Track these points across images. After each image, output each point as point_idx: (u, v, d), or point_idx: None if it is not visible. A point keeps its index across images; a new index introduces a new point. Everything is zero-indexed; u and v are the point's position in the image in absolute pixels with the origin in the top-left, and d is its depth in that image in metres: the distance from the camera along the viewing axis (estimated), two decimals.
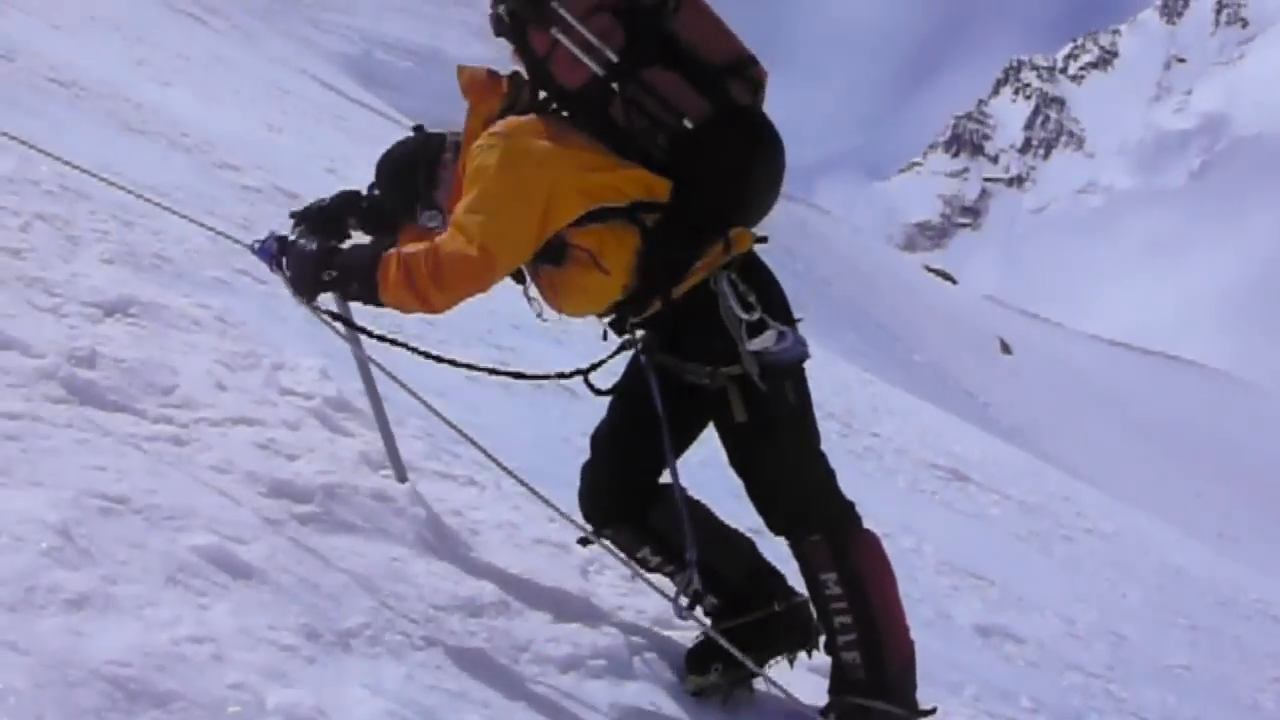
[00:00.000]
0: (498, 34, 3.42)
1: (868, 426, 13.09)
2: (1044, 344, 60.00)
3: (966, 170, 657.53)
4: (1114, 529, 13.55)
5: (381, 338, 3.61)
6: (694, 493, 3.67)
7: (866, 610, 3.39)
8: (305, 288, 3.46)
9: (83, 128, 7.91)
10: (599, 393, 3.61)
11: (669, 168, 3.30)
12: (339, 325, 3.71)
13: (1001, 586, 7.72)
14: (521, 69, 3.45)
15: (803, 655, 3.71)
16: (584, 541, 3.68)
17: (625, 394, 3.64)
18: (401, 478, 3.97)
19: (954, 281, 73.41)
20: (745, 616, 3.59)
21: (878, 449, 11.82)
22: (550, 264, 3.37)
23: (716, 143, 3.30)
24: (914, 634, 3.51)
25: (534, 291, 3.55)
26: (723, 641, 3.37)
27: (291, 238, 3.58)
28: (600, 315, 3.53)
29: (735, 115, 3.33)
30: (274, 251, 3.53)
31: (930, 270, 74.08)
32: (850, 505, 3.52)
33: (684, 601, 3.49)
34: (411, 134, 3.78)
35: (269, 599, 2.84)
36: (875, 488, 9.83)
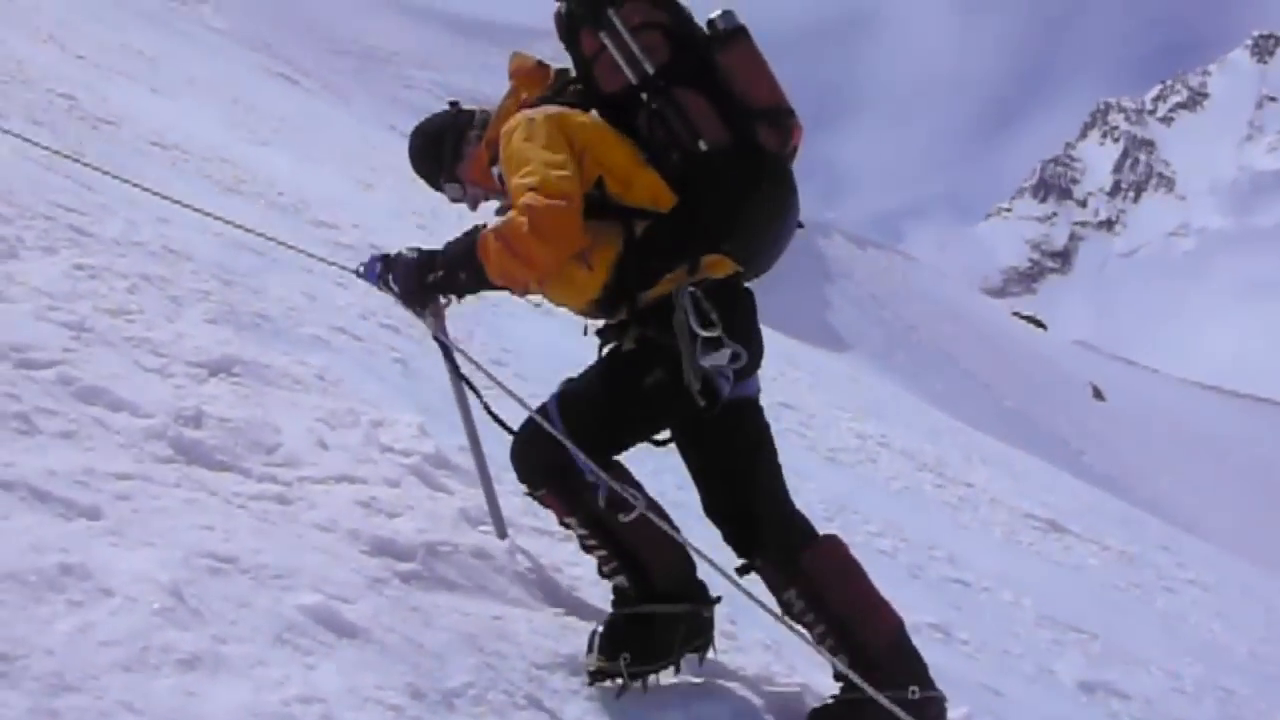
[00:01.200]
0: (559, 33, 3.55)
1: (961, 476, 12.91)
2: (1137, 389, 58.89)
3: (1055, 215, 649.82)
4: (1216, 579, 13.18)
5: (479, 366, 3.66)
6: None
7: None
8: (415, 296, 3.60)
9: (184, 190, 8.09)
10: (659, 444, 3.60)
11: (678, 184, 3.35)
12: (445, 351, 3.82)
13: (1104, 640, 7.53)
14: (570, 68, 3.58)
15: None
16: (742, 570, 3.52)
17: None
18: (501, 534, 3.98)
19: (1044, 327, 72.46)
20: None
21: (972, 499, 11.63)
22: None
23: (723, 168, 3.34)
24: (991, 678, 3.40)
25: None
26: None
27: (393, 254, 3.66)
28: (580, 312, 3.56)
29: (751, 152, 3.37)
30: (379, 271, 3.65)
31: (1019, 316, 73.19)
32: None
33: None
34: (447, 108, 3.93)
35: (374, 658, 2.84)
36: (971, 539, 9.67)
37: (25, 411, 3.26)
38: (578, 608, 3.81)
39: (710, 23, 3.44)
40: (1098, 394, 53.02)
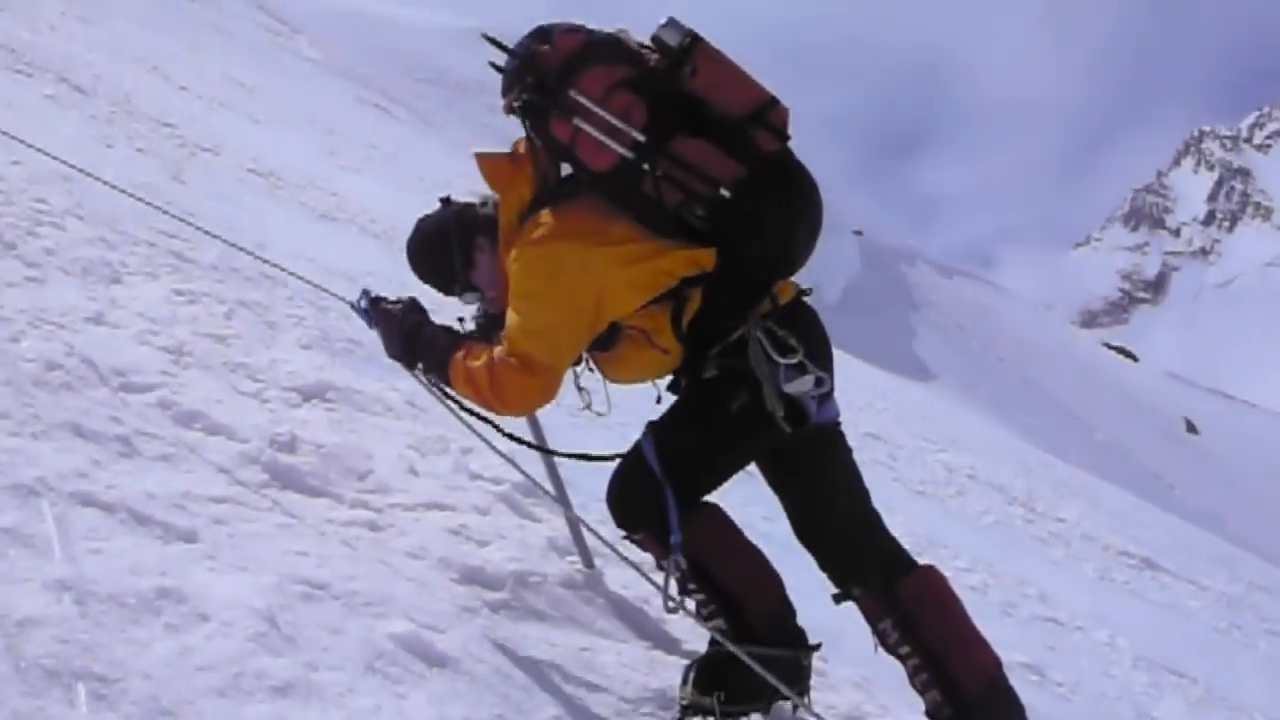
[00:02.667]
0: (526, 131, 3.36)
1: (1052, 511, 12.68)
2: (1233, 423, 57.51)
3: (1146, 244, 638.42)
4: None
5: (483, 420, 3.59)
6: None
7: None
8: (395, 356, 3.58)
9: (280, 216, 8.26)
10: None
11: (710, 236, 3.22)
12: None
13: (1204, 685, 7.32)
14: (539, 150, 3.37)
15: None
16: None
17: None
18: (589, 564, 3.97)
19: (1135, 359, 71.13)
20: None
21: (1064, 535, 11.42)
22: (600, 349, 3.35)
23: (756, 207, 3.20)
24: None
25: (585, 380, 3.52)
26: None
27: (384, 297, 3.63)
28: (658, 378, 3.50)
29: (768, 171, 3.23)
30: (370, 317, 3.63)
31: (1110, 347, 71.96)
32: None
33: (677, 601, 3.28)
34: (440, 205, 3.70)
35: (464, 689, 2.84)
36: (1063, 575, 9.48)
37: (126, 434, 3.32)
38: (665, 641, 3.78)
39: (657, 40, 3.22)
40: (1191, 427, 51.92)
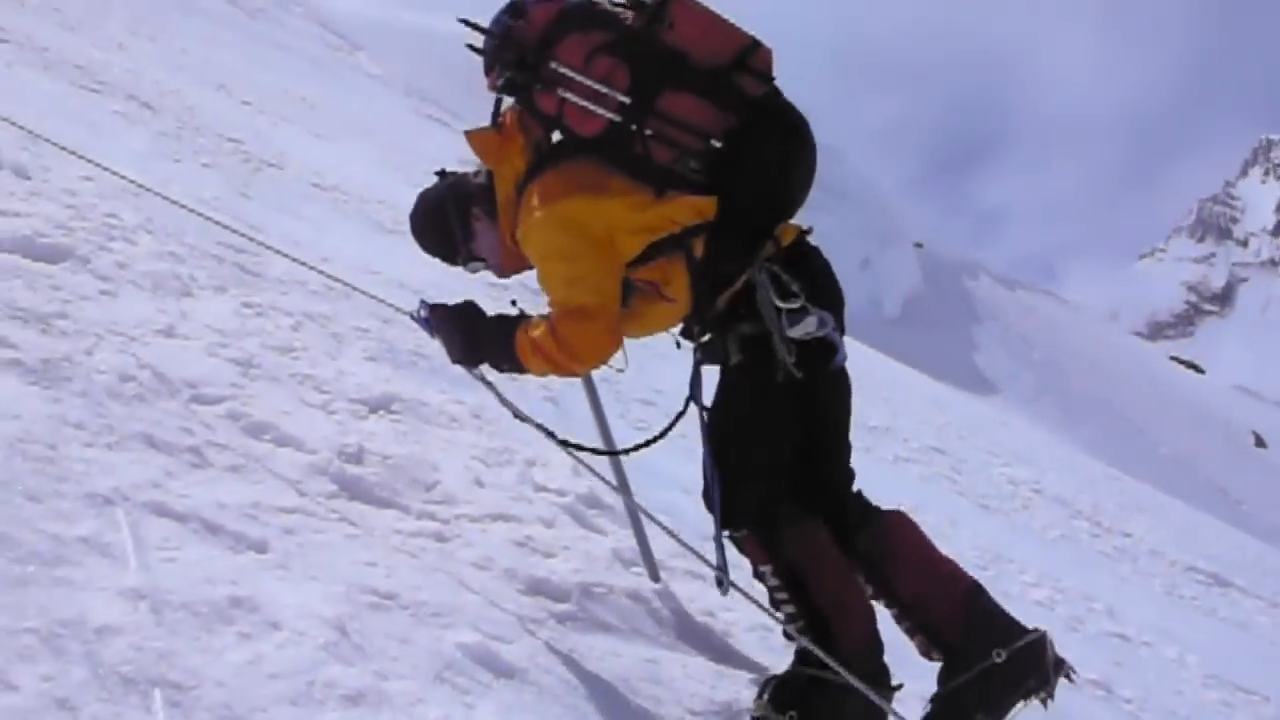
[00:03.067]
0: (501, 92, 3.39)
1: (1118, 526, 12.51)
2: None
3: (1213, 255, 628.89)
4: None
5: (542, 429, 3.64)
6: None
7: (807, 598, 3.22)
8: (457, 359, 3.58)
9: (344, 230, 8.33)
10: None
11: (708, 186, 3.24)
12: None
13: (1277, 703, 7.17)
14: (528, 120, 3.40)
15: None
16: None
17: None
18: (654, 577, 3.96)
19: (1202, 372, 70.08)
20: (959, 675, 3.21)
21: (1130, 550, 11.26)
22: None
23: (750, 154, 3.22)
24: None
25: None
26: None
27: (443, 304, 3.62)
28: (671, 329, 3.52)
29: (757, 116, 3.23)
30: (430, 323, 3.63)
31: (1176, 360, 70.93)
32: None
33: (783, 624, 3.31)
34: (436, 179, 3.74)
35: (531, 700, 2.84)
36: (1131, 591, 9.34)
37: (197, 445, 3.35)
38: (731, 655, 3.77)
39: None
40: (1259, 441, 51.05)
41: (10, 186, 4.81)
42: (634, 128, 3.19)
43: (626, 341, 3.39)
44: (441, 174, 3.74)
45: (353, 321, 5.61)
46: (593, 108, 3.19)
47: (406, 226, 4.11)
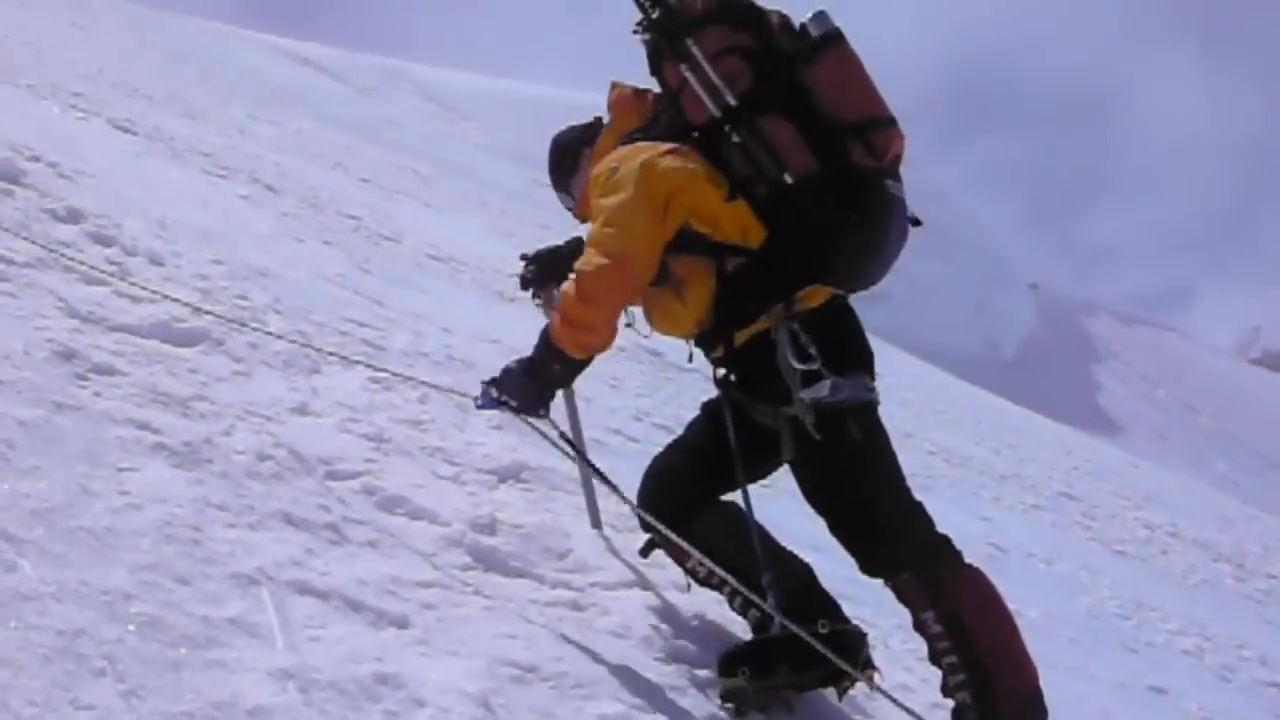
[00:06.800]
0: (649, 66, 3.49)
1: (1262, 567, 12.07)
2: None
3: None
4: None
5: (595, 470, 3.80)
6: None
7: (970, 649, 3.14)
8: (533, 404, 3.60)
9: (463, 300, 8.46)
10: None
11: (767, 218, 3.26)
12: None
13: None
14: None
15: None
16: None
17: (709, 416, 3.64)
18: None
19: None
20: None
21: (1278, 593, 10.83)
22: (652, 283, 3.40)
23: (810, 202, 3.22)
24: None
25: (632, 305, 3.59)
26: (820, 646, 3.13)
27: (498, 375, 3.64)
28: (685, 338, 3.54)
29: (841, 177, 3.22)
30: (495, 395, 3.64)
31: None
32: (945, 540, 3.30)
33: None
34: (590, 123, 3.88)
35: None
36: None
37: (335, 521, 3.40)
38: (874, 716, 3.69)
39: (803, 27, 3.32)
40: None
41: (146, 273, 4.95)
42: (727, 129, 3.28)
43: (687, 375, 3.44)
44: (599, 119, 3.85)
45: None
46: (704, 97, 3.30)
47: (523, 294, 4.19)
